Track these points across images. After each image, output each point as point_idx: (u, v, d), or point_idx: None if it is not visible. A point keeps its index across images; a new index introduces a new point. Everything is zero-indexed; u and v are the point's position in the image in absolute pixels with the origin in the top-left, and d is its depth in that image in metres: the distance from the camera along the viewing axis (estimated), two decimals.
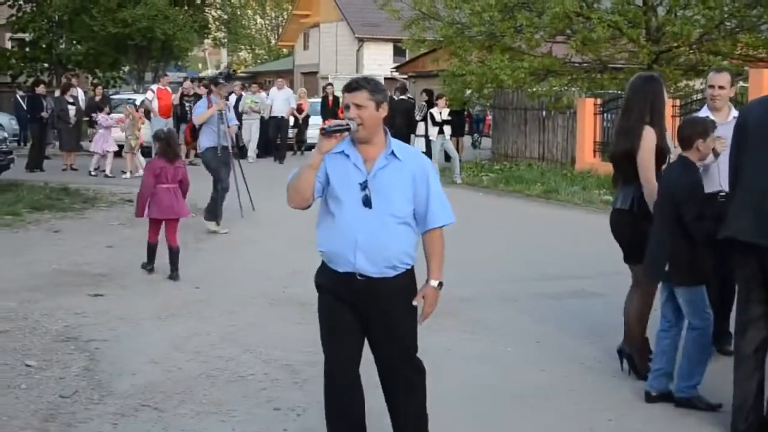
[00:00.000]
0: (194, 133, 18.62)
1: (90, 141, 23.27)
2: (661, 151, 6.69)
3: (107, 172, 21.40)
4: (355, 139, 4.71)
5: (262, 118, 25.70)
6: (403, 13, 24.66)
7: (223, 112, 13.50)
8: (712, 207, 6.27)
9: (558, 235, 13.99)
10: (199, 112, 13.64)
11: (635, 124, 6.67)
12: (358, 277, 4.71)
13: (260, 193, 15.81)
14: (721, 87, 7.37)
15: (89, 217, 15.02)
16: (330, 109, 26.37)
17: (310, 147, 28.31)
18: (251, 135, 25.51)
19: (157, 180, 10.39)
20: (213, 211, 13.52)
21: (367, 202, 4.68)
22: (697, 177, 6.20)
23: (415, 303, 4.83)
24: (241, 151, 22.45)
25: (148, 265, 10.65)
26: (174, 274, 10.38)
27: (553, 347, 7.81)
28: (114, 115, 22.53)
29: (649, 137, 6.59)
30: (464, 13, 23.17)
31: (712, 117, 6.90)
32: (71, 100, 23.32)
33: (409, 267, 4.80)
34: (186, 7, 39.48)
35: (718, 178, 6.93)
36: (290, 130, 29.28)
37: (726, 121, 7.09)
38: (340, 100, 29.13)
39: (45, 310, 8.75)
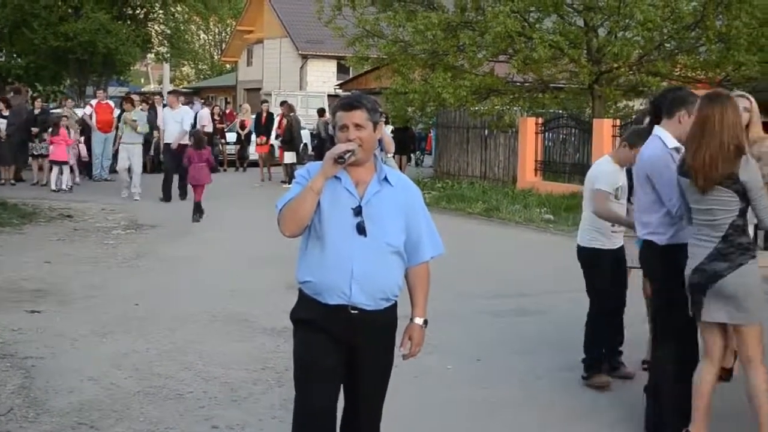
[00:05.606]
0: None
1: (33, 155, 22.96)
2: None
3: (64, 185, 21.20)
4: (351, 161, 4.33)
5: (149, 143, 23.31)
6: (347, 31, 24.70)
7: None
8: None
9: (499, 253, 14.07)
10: None
11: None
12: (351, 311, 4.32)
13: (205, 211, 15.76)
14: None
15: (27, 233, 14.83)
16: (263, 125, 26.20)
17: (253, 164, 28.29)
18: (131, 162, 19.70)
19: (190, 161, 16.66)
20: None
21: (361, 230, 4.31)
22: None
23: (402, 349, 4.54)
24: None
25: (196, 216, 16.52)
26: (195, 217, 16.48)
27: (493, 364, 7.85)
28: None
29: None
30: (407, 32, 23.24)
31: None
32: (6, 113, 22.97)
33: (396, 299, 4.48)
34: (128, 22, 39.15)
35: None
36: (232, 146, 28.96)
37: None
38: (274, 116, 28.46)
39: None
